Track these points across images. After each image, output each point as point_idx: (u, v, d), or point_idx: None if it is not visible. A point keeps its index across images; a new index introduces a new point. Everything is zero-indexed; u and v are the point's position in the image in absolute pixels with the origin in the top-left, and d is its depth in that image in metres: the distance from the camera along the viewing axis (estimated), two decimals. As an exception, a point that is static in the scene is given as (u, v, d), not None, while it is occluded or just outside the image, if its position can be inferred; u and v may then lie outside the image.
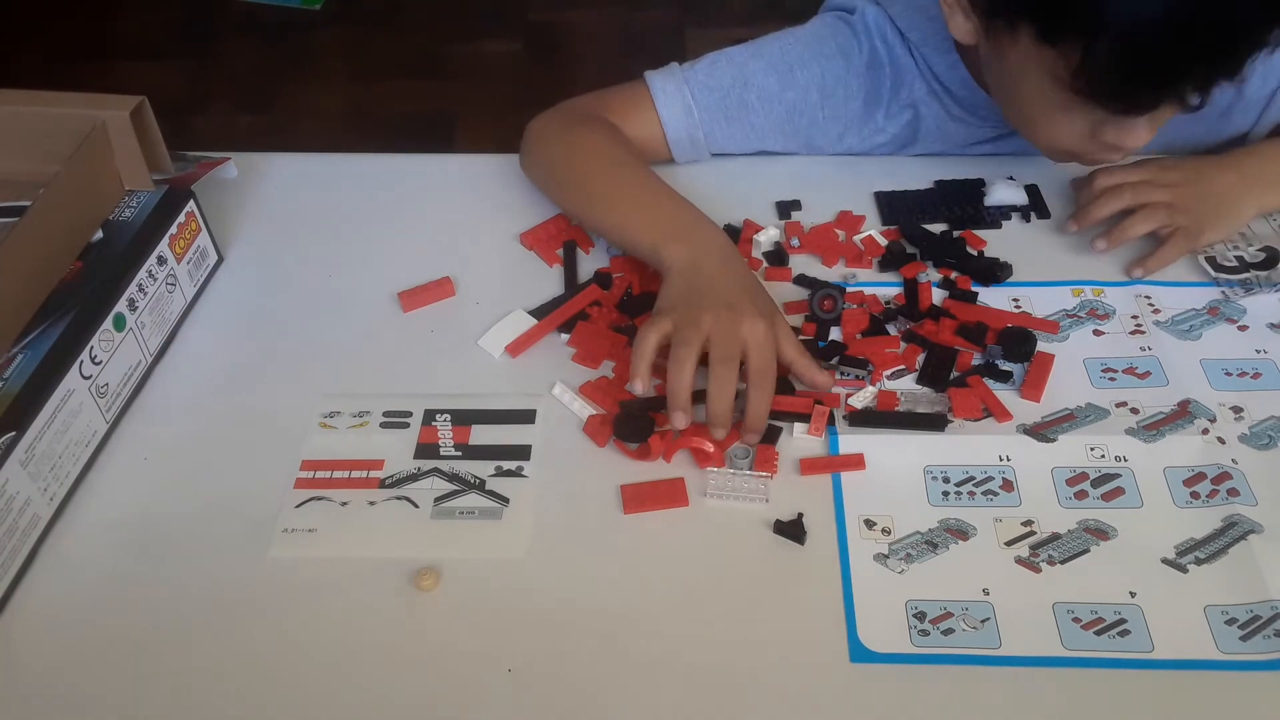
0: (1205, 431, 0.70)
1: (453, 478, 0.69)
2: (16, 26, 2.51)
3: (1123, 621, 0.61)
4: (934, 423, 0.71)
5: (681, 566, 0.64)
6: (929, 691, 0.58)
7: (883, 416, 0.72)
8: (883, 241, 0.86)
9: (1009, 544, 0.65)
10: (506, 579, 0.64)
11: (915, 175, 0.91)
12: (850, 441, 0.70)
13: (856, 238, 0.86)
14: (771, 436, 0.71)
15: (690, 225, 0.78)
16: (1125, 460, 0.69)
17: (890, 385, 0.74)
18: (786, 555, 0.65)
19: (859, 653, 0.60)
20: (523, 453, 0.71)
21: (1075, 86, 0.70)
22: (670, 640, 0.61)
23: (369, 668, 0.60)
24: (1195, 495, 0.67)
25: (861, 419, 0.72)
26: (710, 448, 0.69)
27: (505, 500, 0.68)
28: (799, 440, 0.71)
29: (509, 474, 0.70)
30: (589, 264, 0.85)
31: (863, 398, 0.73)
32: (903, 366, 0.75)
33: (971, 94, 0.87)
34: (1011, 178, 0.90)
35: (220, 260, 0.86)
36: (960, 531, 0.65)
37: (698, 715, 0.58)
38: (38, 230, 0.70)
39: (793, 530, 0.65)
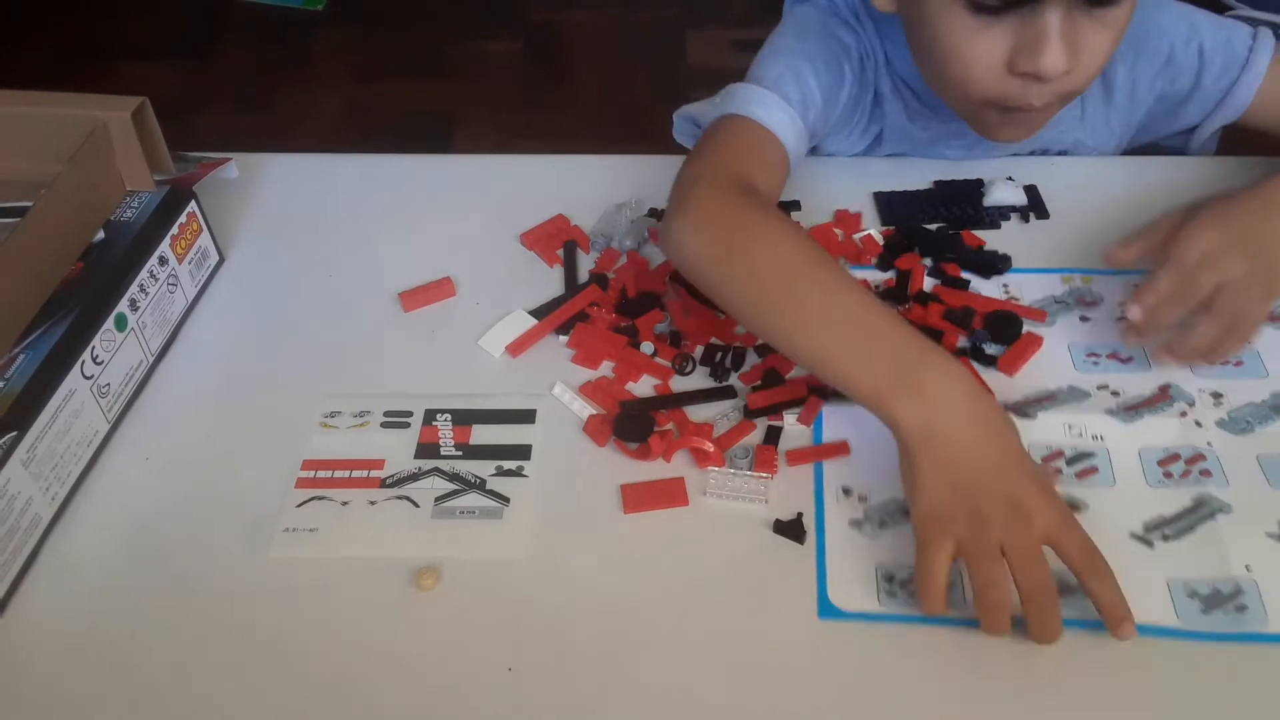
0: (1184, 414, 0.71)
1: (453, 477, 0.70)
2: (17, 26, 2.51)
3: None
4: None
5: (681, 566, 0.64)
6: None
7: None
8: (882, 241, 0.86)
9: None
10: (506, 579, 0.64)
11: (915, 176, 0.91)
12: (834, 425, 0.71)
13: (856, 236, 0.86)
14: (772, 436, 0.71)
15: (916, 364, 0.62)
16: (1102, 439, 0.70)
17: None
18: (786, 555, 0.65)
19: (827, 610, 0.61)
20: (523, 452, 0.71)
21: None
22: (670, 640, 0.61)
23: (369, 668, 0.60)
24: (1168, 475, 0.67)
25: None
26: (710, 447, 0.69)
27: (505, 500, 0.68)
28: (786, 429, 0.71)
29: (509, 474, 0.70)
30: (589, 264, 0.85)
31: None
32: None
33: (923, 86, 0.86)
34: (1010, 178, 0.90)
35: (221, 260, 0.86)
36: None
37: (697, 715, 0.58)
38: (39, 231, 0.70)
39: (793, 530, 0.65)
